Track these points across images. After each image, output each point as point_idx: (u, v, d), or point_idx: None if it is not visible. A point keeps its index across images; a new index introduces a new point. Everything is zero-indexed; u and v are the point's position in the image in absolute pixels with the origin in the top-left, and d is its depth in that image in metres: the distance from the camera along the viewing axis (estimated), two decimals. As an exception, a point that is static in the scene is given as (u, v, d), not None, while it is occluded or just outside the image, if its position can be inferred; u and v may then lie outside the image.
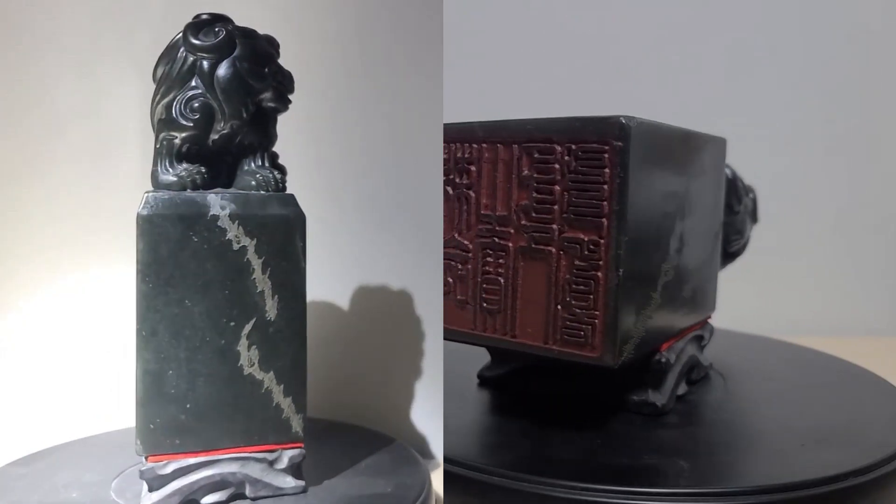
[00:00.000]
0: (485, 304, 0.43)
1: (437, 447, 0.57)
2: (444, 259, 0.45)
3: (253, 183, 0.43)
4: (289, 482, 0.42)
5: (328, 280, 0.50)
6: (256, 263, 0.41)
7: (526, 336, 0.42)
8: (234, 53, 0.42)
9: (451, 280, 0.45)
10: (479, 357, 0.58)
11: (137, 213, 0.39)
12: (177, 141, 0.42)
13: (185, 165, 0.42)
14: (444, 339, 0.46)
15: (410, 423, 0.59)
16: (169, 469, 0.40)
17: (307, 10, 0.59)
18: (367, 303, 0.60)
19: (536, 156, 0.40)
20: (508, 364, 0.52)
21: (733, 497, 0.36)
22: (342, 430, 0.54)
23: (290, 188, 0.44)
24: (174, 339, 0.40)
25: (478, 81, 0.85)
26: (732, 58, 0.84)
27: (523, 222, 0.41)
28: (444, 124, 0.45)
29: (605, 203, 0.38)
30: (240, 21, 0.43)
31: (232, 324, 0.41)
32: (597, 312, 0.39)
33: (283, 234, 0.42)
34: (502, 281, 0.42)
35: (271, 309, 0.42)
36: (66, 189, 0.60)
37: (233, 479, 0.42)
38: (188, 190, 0.41)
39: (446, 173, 0.44)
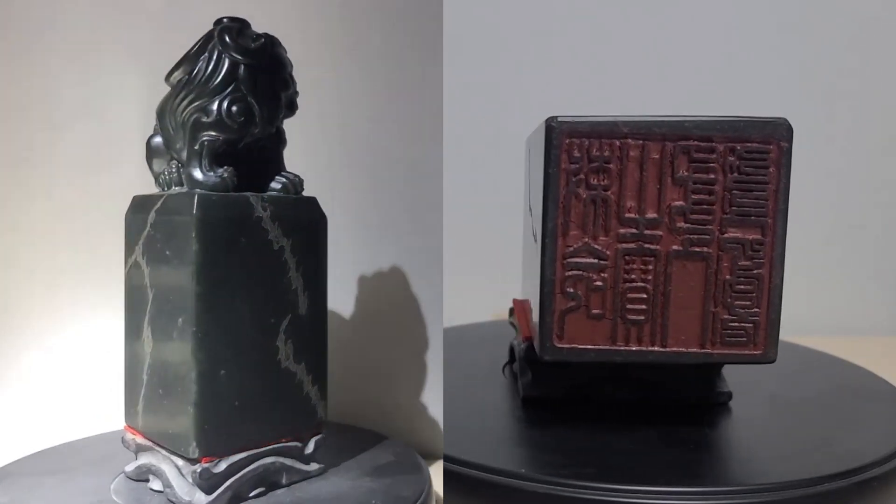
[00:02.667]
0: (629, 316, 0.40)
1: (437, 446, 0.57)
2: (569, 270, 0.39)
3: (279, 186, 0.45)
4: (313, 466, 0.46)
5: (329, 280, 0.48)
6: (292, 262, 0.44)
7: (679, 343, 0.40)
8: (270, 59, 0.43)
9: (580, 293, 0.40)
10: (480, 353, 0.60)
11: (191, 215, 0.39)
12: (217, 143, 0.42)
13: (224, 167, 0.42)
14: (567, 359, 0.40)
15: (411, 422, 0.59)
16: (221, 467, 0.41)
17: (307, 10, 0.60)
18: (367, 302, 0.61)
19: (695, 155, 0.39)
20: (561, 381, 0.48)
21: (729, 495, 0.36)
22: (341, 430, 0.55)
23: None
24: (225, 339, 0.41)
25: (478, 81, 0.81)
26: (732, 55, 0.86)
27: (678, 224, 0.39)
28: (567, 117, 0.39)
29: (769, 202, 0.39)
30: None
31: (272, 320, 0.43)
32: (759, 310, 0.39)
33: (312, 234, 0.45)
34: (650, 288, 0.40)
35: (302, 305, 0.44)
36: (67, 188, 0.60)
37: (273, 468, 0.44)
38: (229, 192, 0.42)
39: (574, 173, 0.39)
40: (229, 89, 0.42)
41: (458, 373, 0.56)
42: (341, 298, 0.61)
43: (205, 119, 0.41)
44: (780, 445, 0.42)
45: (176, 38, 0.47)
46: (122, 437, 0.45)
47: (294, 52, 0.45)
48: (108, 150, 0.60)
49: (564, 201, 0.39)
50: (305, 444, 0.45)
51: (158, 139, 0.47)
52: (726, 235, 0.39)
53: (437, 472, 0.48)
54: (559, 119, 0.39)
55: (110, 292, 0.54)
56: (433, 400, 0.59)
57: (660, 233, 0.39)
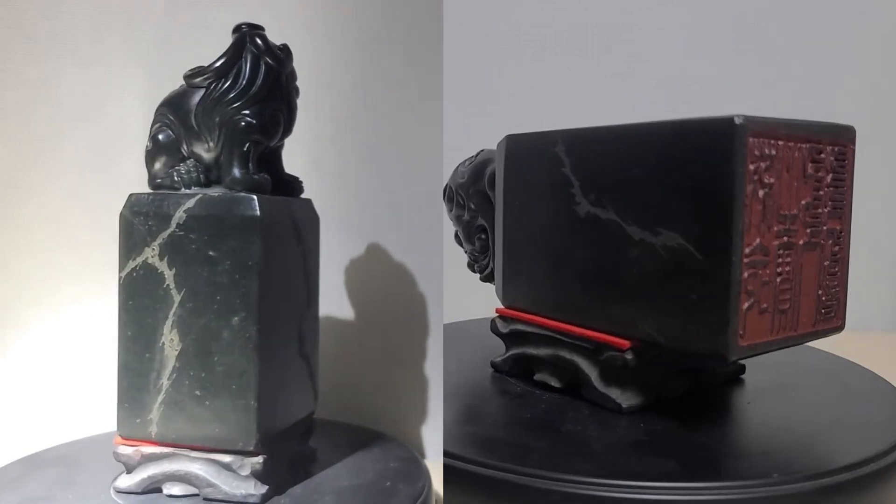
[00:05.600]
0: (780, 307, 0.42)
1: (437, 445, 0.57)
2: (748, 269, 0.39)
3: (296, 188, 0.48)
4: (310, 447, 0.49)
5: (328, 280, 0.50)
6: (304, 259, 0.46)
7: (802, 326, 0.44)
8: (292, 69, 0.45)
9: (755, 290, 0.40)
10: (481, 348, 0.59)
11: (254, 217, 0.41)
12: (262, 146, 0.44)
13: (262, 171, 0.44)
14: (747, 356, 0.40)
15: (410, 420, 0.60)
16: (273, 456, 0.43)
17: (306, 11, 0.59)
18: (367, 299, 0.61)
19: (816, 156, 0.43)
20: (653, 386, 0.46)
21: (727, 490, 0.37)
22: (341, 427, 0.55)
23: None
24: (273, 335, 0.42)
25: (478, 81, 0.79)
26: (732, 53, 0.84)
27: (806, 219, 0.43)
28: (748, 116, 0.38)
29: (846, 196, 0.45)
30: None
31: (296, 313, 0.46)
32: (839, 288, 0.46)
33: (314, 232, 0.48)
34: (792, 279, 0.42)
35: (309, 297, 0.48)
36: (69, 189, 0.60)
37: (296, 452, 0.46)
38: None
39: (754, 172, 0.39)
40: (269, 95, 0.43)
41: (459, 367, 0.55)
42: (342, 296, 0.60)
43: (250, 123, 0.42)
44: (773, 440, 0.43)
45: (178, 38, 0.48)
46: (116, 452, 0.43)
47: (293, 53, 0.45)
48: (111, 151, 0.59)
49: (748, 201, 0.39)
50: (308, 424, 0.48)
51: (168, 135, 0.44)
52: (827, 227, 0.45)
53: (433, 469, 0.48)
54: (744, 117, 0.39)
55: (111, 293, 0.49)
56: (433, 398, 0.59)
57: (796, 227, 0.43)
